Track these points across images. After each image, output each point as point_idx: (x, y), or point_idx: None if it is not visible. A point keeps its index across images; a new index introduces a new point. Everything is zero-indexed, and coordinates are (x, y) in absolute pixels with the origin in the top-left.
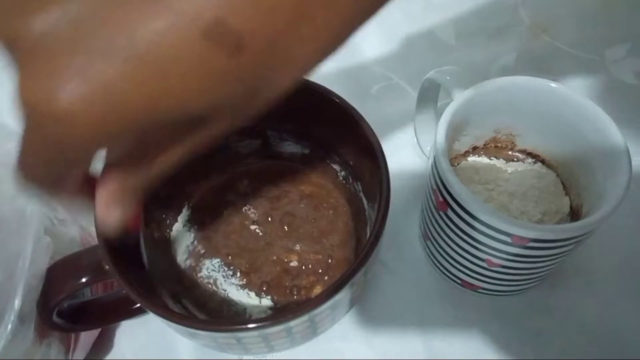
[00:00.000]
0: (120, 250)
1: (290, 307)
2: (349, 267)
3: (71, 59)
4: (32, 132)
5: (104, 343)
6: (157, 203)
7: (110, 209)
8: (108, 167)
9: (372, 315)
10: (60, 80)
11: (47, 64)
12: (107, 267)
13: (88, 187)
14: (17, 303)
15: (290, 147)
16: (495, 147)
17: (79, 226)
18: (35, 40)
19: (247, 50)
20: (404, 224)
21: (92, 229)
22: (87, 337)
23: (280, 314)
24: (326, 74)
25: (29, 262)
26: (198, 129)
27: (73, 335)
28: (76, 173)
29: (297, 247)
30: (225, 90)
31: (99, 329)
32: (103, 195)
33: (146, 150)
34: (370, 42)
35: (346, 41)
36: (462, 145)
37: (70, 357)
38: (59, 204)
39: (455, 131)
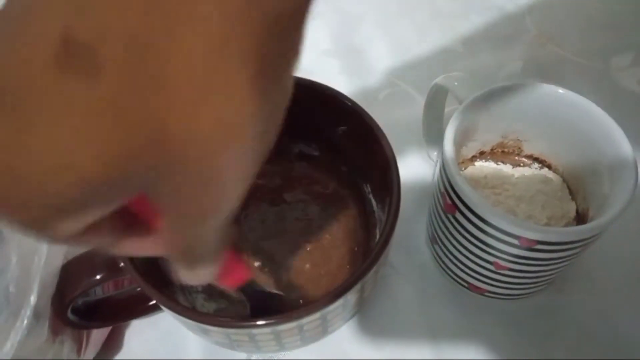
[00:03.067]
0: None
1: (303, 305)
2: (361, 266)
3: None
4: None
5: (114, 342)
6: None
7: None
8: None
9: (380, 318)
10: None
11: None
12: (122, 264)
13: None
14: (32, 299)
15: (300, 149)
16: (502, 152)
17: None
18: None
19: (106, 69)
20: (411, 228)
21: None
22: (98, 336)
23: (292, 311)
24: (334, 80)
25: (45, 259)
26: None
27: (85, 334)
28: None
29: (308, 249)
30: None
31: (110, 328)
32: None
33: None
34: (378, 48)
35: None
36: (469, 150)
37: (81, 355)
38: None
39: (462, 136)
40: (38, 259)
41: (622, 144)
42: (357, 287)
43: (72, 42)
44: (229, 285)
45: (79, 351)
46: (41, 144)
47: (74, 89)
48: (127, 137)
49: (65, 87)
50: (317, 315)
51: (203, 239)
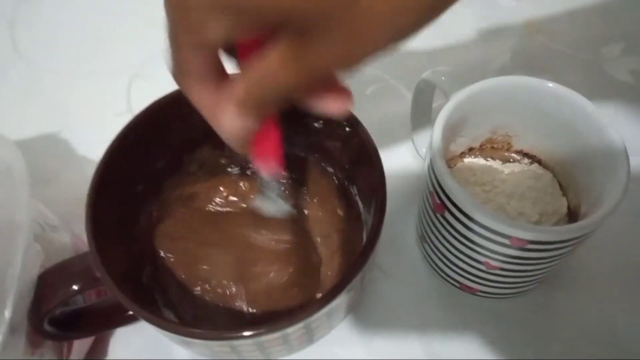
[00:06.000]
0: (112, 256)
1: (286, 314)
2: (345, 273)
3: None
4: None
5: (98, 351)
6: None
7: (233, 114)
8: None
9: (371, 320)
10: None
11: None
12: (98, 274)
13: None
14: (7, 313)
15: (285, 150)
16: (491, 148)
17: (71, 232)
18: None
19: None
20: (400, 227)
21: (84, 235)
22: (80, 346)
23: (275, 321)
24: None
25: (20, 270)
26: (311, 40)
27: (66, 344)
28: (204, 58)
29: (294, 252)
30: None
31: (93, 337)
32: (229, 97)
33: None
34: None
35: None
36: (458, 146)
37: None
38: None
39: (451, 132)
40: (12, 271)
41: (613, 138)
42: (343, 294)
43: None
44: (260, 159)
45: None
46: None
47: None
48: None
49: None
50: (300, 325)
51: (289, 82)
